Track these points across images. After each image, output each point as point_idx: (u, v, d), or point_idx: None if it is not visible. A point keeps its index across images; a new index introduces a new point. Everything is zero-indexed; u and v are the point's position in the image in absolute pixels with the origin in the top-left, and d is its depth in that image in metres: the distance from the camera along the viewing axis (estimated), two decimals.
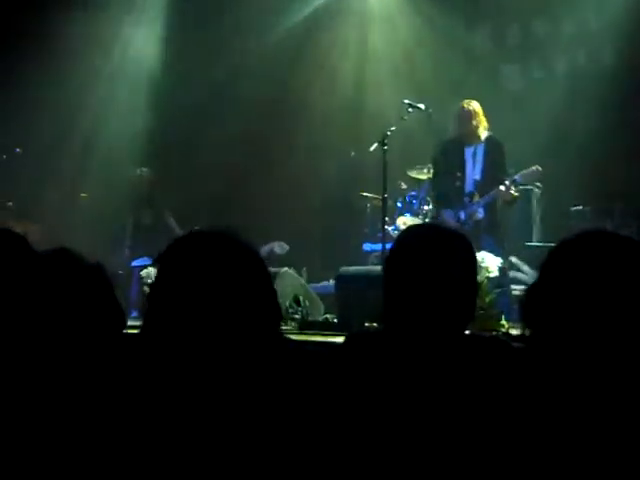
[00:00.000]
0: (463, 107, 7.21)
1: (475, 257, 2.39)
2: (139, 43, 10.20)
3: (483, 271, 5.78)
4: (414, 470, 2.07)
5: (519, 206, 8.86)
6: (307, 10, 10.13)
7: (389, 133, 6.95)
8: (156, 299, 1.98)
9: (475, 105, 7.24)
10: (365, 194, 8.47)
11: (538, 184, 8.76)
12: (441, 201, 7.41)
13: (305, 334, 5.63)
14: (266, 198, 9.92)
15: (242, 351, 1.93)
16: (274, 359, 2.02)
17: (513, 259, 8.27)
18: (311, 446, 2.00)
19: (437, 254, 2.27)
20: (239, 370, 1.93)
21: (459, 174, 7.22)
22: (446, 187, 7.31)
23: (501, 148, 7.20)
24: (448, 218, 7.20)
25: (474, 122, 7.16)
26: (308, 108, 9.72)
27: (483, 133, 7.22)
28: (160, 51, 10.18)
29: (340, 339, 2.55)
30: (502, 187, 6.92)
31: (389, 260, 2.35)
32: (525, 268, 8.18)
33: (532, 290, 2.03)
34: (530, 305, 2.02)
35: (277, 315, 2.06)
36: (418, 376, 2.16)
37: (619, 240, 1.98)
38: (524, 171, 6.99)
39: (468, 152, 7.24)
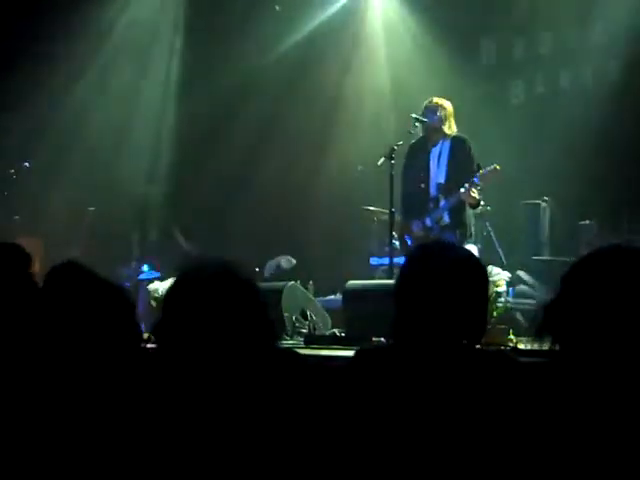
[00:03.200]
0: (431, 100, 7.06)
1: (487, 274, 2.39)
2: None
3: (491, 285, 5.77)
4: None
5: (527, 219, 8.88)
6: (311, 25, 10.17)
7: (396, 147, 6.92)
8: (163, 327, 2.05)
9: (444, 101, 7.07)
10: (372, 208, 8.46)
11: (546, 198, 8.76)
12: (407, 210, 7.17)
13: (312, 348, 5.61)
14: (273, 212, 9.92)
15: (241, 366, 2.00)
16: (275, 374, 2.05)
17: (521, 273, 8.25)
18: (317, 459, 2.00)
19: (449, 271, 2.28)
20: (240, 384, 1.97)
21: (423, 175, 7.04)
22: (412, 193, 7.12)
23: (466, 147, 6.95)
24: (416, 229, 7.06)
25: (439, 114, 6.96)
26: (313, 124, 9.73)
27: (449, 130, 7.02)
28: (168, 65, 10.21)
29: (347, 353, 2.56)
30: (462, 190, 6.70)
31: (401, 276, 2.36)
32: (533, 282, 8.16)
33: (552, 305, 2.02)
34: (551, 320, 2.00)
35: (272, 334, 2.14)
36: (428, 392, 2.16)
37: None
38: (482, 171, 6.70)
39: (433, 153, 7.05)
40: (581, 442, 1.86)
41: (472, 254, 2.50)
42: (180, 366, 2.01)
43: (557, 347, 1.99)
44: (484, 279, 2.38)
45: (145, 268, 8.80)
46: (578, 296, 1.96)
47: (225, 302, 2.04)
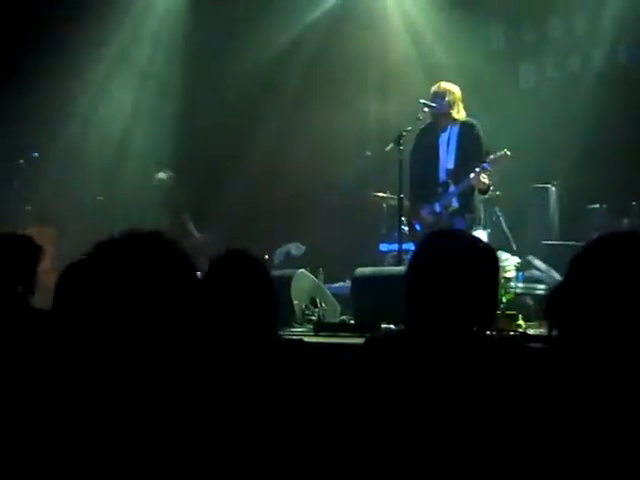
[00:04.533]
0: (439, 85, 7.04)
1: (497, 260, 2.40)
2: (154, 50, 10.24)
3: (500, 271, 5.78)
4: (433, 470, 2.08)
5: (536, 204, 8.87)
6: (323, 8, 10.16)
7: (405, 133, 6.91)
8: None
9: (452, 86, 7.05)
10: (381, 194, 8.46)
11: (555, 182, 8.74)
12: (416, 196, 7.15)
13: (321, 336, 5.63)
14: (282, 199, 9.93)
15: (245, 354, 1.97)
16: (282, 363, 2.04)
17: (531, 258, 8.25)
18: (323, 445, 2.01)
19: (460, 258, 2.29)
20: (244, 372, 1.96)
21: (432, 160, 7.02)
22: (421, 179, 7.11)
23: (476, 132, 6.94)
24: (425, 214, 7.05)
25: (447, 99, 6.93)
26: (324, 109, 9.72)
27: (458, 115, 7.00)
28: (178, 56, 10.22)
29: (357, 340, 2.57)
30: (472, 175, 6.68)
31: (412, 264, 2.37)
32: (543, 267, 8.15)
33: (561, 290, 2.02)
34: (559, 305, 2.01)
35: (273, 322, 2.10)
36: (439, 379, 2.17)
37: None
38: (492, 156, 6.69)
39: (442, 138, 7.02)
40: (584, 429, 1.87)
41: (482, 241, 2.52)
42: (180, 353, 1.95)
43: (556, 332, 2.00)
44: (495, 266, 2.39)
45: None
46: (585, 282, 1.96)
47: (233, 284, 1.99)
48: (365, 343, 2.43)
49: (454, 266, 2.28)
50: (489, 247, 2.45)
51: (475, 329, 2.30)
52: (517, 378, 2.13)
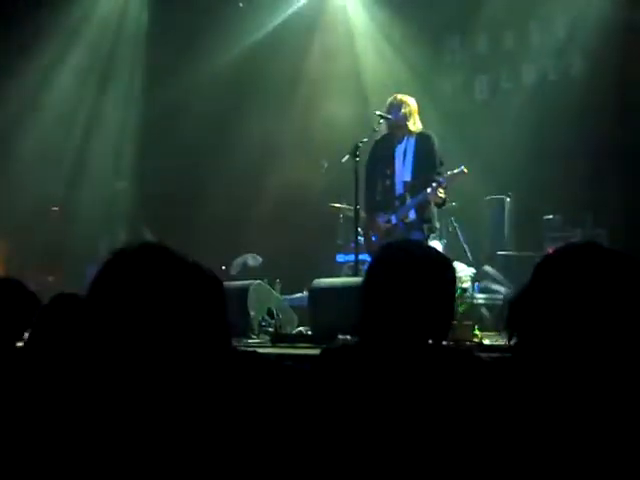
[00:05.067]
0: (395, 97, 7.05)
1: (453, 272, 2.40)
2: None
3: (456, 282, 5.81)
4: None
5: (491, 214, 8.95)
6: (275, 22, 10.19)
7: (360, 144, 6.92)
8: (103, 315, 1.96)
9: (407, 98, 7.07)
10: (338, 205, 8.48)
11: (510, 193, 8.83)
12: (372, 207, 7.15)
13: (278, 347, 5.61)
14: (238, 210, 9.92)
15: (194, 367, 1.93)
16: (234, 375, 2.02)
17: (486, 268, 8.31)
18: (278, 459, 1.99)
19: (415, 270, 2.29)
20: (193, 386, 1.93)
21: (388, 172, 7.03)
22: (377, 190, 7.11)
23: (431, 143, 6.96)
24: (382, 225, 7.05)
25: (403, 111, 6.94)
26: (278, 120, 9.74)
27: (414, 127, 7.01)
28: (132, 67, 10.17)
29: (314, 352, 2.55)
30: (429, 189, 6.70)
31: (368, 275, 2.37)
32: (498, 277, 8.22)
33: (521, 299, 2.03)
34: (519, 314, 2.02)
35: (226, 333, 2.07)
36: (393, 391, 2.17)
37: (612, 255, 1.99)
38: (449, 172, 6.74)
39: (398, 150, 7.03)
40: (540, 438, 1.87)
41: (438, 251, 2.52)
42: (122, 370, 1.92)
43: (514, 342, 2.01)
44: (450, 277, 2.39)
45: None
46: (545, 291, 1.98)
47: (179, 292, 1.95)
48: (320, 354, 2.42)
49: (409, 277, 2.27)
50: (445, 258, 2.45)
51: (430, 340, 2.30)
52: (471, 389, 2.13)
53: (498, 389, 2.03)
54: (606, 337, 1.89)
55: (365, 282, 2.36)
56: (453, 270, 2.41)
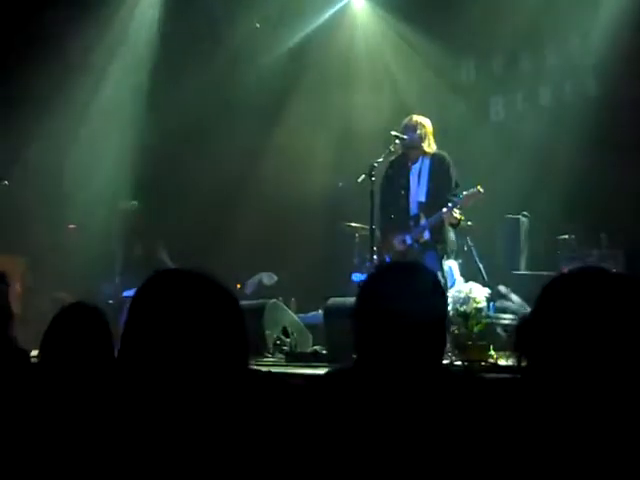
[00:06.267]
0: (411, 118, 7.11)
1: (445, 294, 2.40)
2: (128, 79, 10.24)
3: (471, 302, 5.82)
4: None
5: (506, 234, 8.93)
6: (293, 40, 10.23)
7: (376, 164, 6.94)
8: (128, 336, 2.00)
9: (423, 119, 7.12)
10: (353, 224, 8.50)
11: (525, 213, 8.82)
12: (386, 227, 7.17)
13: (293, 366, 5.62)
14: (255, 229, 9.94)
15: (207, 386, 1.95)
16: (242, 394, 2.03)
17: (501, 288, 8.29)
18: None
19: (406, 291, 2.28)
20: (204, 405, 1.94)
21: (403, 192, 7.07)
22: (391, 210, 7.15)
23: (446, 164, 7.02)
24: (395, 242, 7.07)
25: (419, 132, 7.00)
26: (295, 140, 9.77)
27: (429, 149, 7.07)
28: (149, 83, 10.22)
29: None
30: (444, 209, 6.75)
31: (359, 297, 2.36)
32: (513, 297, 8.19)
33: (529, 322, 2.04)
34: (527, 336, 2.02)
35: (244, 352, 2.09)
36: (390, 415, 2.16)
37: (619, 279, 2.00)
38: (465, 192, 6.77)
39: (413, 170, 7.08)
40: (544, 462, 1.88)
41: (432, 273, 2.49)
42: (142, 385, 1.94)
43: (525, 363, 2.01)
44: (443, 299, 2.39)
45: None
46: (552, 315, 1.99)
47: (200, 312, 1.98)
48: (322, 378, 2.42)
49: (399, 298, 2.26)
50: (436, 279, 2.43)
51: (426, 363, 2.27)
52: (470, 411, 2.13)
53: (499, 410, 2.04)
54: (612, 360, 1.89)
55: (356, 303, 2.35)
56: (443, 291, 2.41)
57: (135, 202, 9.32)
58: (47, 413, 2.10)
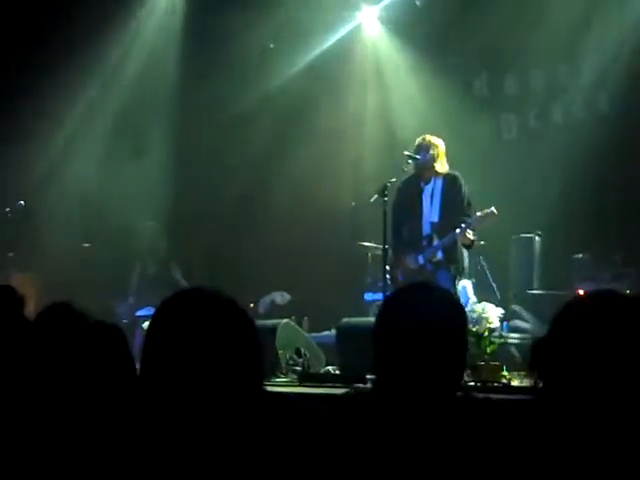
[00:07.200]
0: (424, 138, 7.10)
1: (465, 317, 2.38)
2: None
3: (484, 322, 5.80)
4: None
5: (520, 253, 8.91)
6: (306, 60, 10.26)
7: (389, 184, 6.94)
8: (147, 356, 2.01)
9: (436, 139, 7.11)
10: (366, 244, 8.49)
11: (539, 232, 8.80)
12: (399, 247, 7.15)
13: (306, 386, 5.61)
14: (268, 249, 9.94)
15: (222, 408, 1.96)
16: (258, 416, 2.03)
17: (515, 307, 8.27)
18: None
19: (425, 314, 2.26)
20: (220, 426, 1.95)
21: (416, 213, 7.07)
22: (404, 230, 7.16)
23: (459, 184, 7.01)
24: (407, 262, 7.06)
25: (432, 152, 6.99)
26: (307, 159, 9.79)
27: (441, 169, 7.07)
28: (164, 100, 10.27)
29: (342, 391, 2.54)
30: (457, 230, 6.74)
31: (378, 319, 2.34)
32: (527, 316, 8.17)
33: (544, 342, 2.03)
34: (542, 357, 2.02)
35: (259, 373, 2.09)
36: (410, 437, 2.15)
37: (631, 301, 2.00)
38: (479, 213, 6.76)
39: (426, 191, 7.08)
40: None
41: (452, 296, 2.48)
42: (159, 404, 1.95)
43: (540, 384, 2.01)
44: (463, 322, 2.36)
45: None
46: (566, 337, 1.98)
47: (218, 334, 1.99)
48: (339, 400, 2.40)
49: (419, 322, 2.23)
50: (457, 302, 2.42)
51: (444, 388, 2.24)
52: (489, 435, 2.11)
53: (518, 434, 2.02)
54: (628, 383, 1.89)
55: (376, 326, 2.31)
56: (464, 313, 2.39)
57: (152, 222, 9.37)
58: (67, 436, 2.10)
